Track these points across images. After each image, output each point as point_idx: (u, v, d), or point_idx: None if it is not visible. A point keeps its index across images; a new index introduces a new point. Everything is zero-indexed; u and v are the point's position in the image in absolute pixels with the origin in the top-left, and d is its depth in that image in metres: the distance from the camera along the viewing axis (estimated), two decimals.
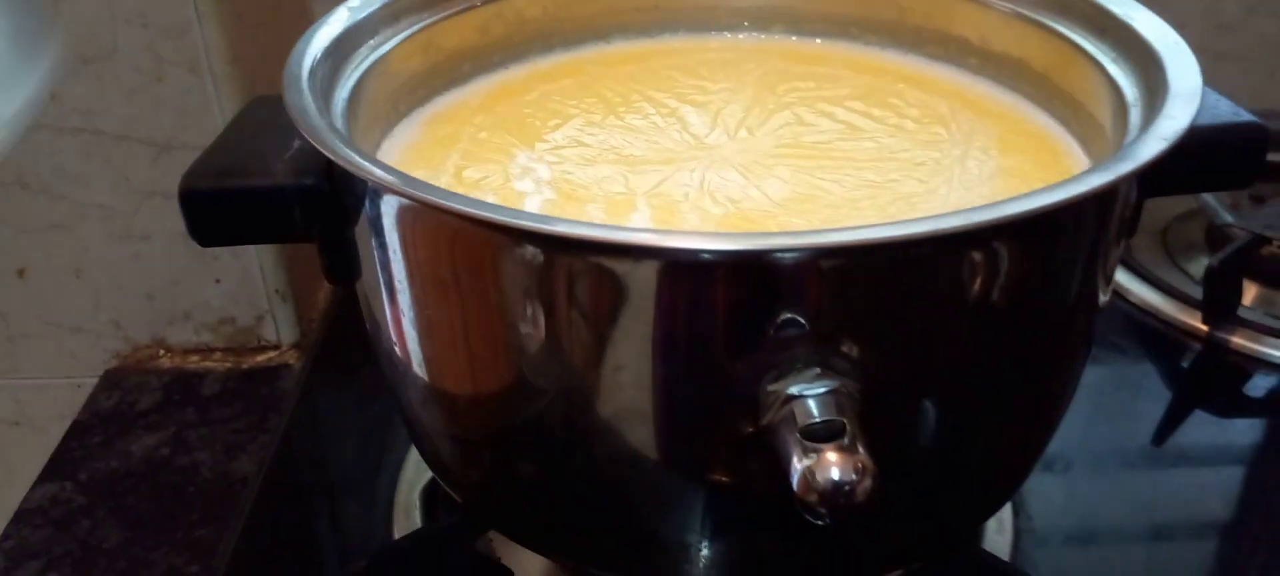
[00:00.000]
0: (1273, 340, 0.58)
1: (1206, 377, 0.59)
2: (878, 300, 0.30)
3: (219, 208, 0.35)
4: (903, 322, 0.31)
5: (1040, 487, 0.49)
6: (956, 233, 0.29)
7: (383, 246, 0.34)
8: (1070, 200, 0.29)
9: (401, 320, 0.35)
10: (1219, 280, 0.58)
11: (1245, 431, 0.55)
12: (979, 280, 0.31)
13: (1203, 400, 0.57)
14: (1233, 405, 0.57)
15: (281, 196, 0.35)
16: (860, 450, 0.28)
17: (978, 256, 0.30)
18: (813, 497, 0.27)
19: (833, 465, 0.27)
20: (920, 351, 0.32)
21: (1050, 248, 0.32)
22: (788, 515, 0.28)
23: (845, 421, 0.28)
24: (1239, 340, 0.58)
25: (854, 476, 0.27)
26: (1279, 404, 0.56)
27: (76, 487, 0.52)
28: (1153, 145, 0.31)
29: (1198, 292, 0.60)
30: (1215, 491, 0.50)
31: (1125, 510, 0.49)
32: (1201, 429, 0.55)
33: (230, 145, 0.35)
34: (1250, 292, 0.61)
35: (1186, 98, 0.33)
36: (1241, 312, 0.59)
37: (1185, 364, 0.59)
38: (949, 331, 0.32)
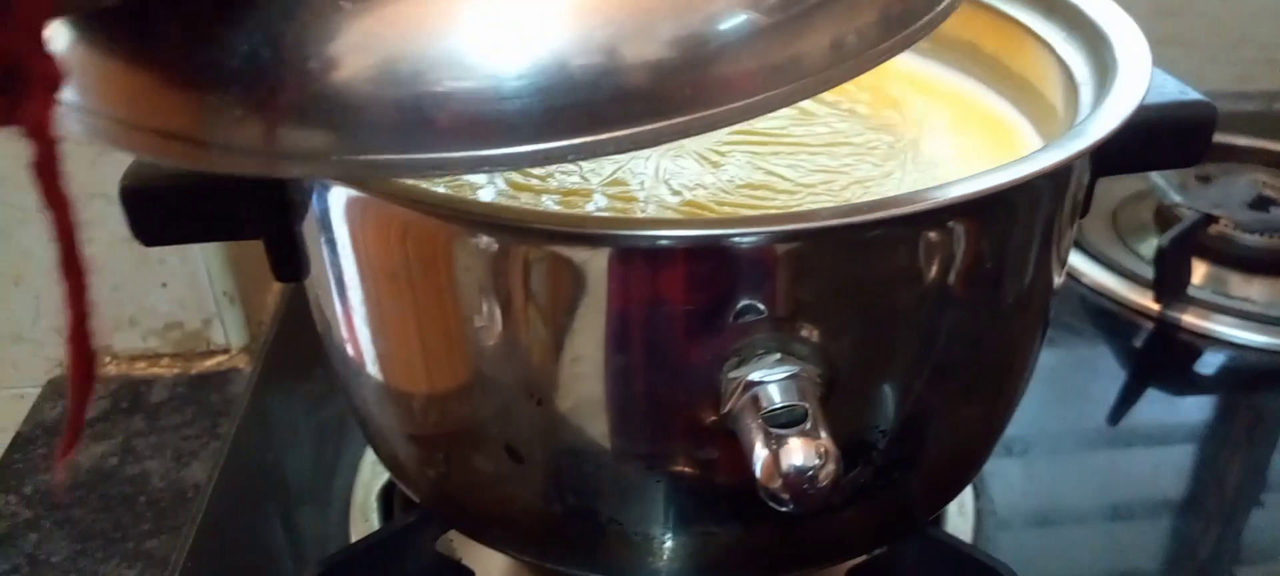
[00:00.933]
0: (1222, 317, 0.59)
1: (1159, 356, 0.59)
2: (837, 284, 0.30)
3: (161, 206, 0.34)
4: (863, 306, 0.31)
5: (1000, 470, 0.49)
6: (914, 215, 0.29)
7: (331, 242, 0.33)
8: (1025, 179, 0.29)
9: (353, 317, 0.34)
10: (1169, 259, 0.59)
11: (1197, 408, 0.56)
12: (937, 261, 0.30)
13: (1155, 379, 0.58)
14: (1184, 383, 0.58)
15: (225, 192, 0.34)
16: (823, 435, 0.27)
17: (935, 237, 0.30)
18: (777, 483, 0.27)
19: (796, 450, 0.27)
20: (880, 334, 0.32)
21: (1006, 227, 0.32)
22: (750, 503, 0.28)
23: (807, 406, 0.28)
24: (1189, 318, 0.59)
25: (817, 461, 0.27)
26: (1229, 380, 0.57)
27: (21, 501, 0.51)
28: (1105, 122, 0.31)
29: (1148, 272, 0.61)
30: (1169, 468, 0.51)
31: (1083, 489, 0.50)
32: (1155, 407, 0.56)
33: None
34: (1199, 271, 0.62)
35: (1137, 75, 0.34)
36: (1191, 291, 0.60)
37: (1138, 343, 0.60)
38: (909, 313, 0.31)
